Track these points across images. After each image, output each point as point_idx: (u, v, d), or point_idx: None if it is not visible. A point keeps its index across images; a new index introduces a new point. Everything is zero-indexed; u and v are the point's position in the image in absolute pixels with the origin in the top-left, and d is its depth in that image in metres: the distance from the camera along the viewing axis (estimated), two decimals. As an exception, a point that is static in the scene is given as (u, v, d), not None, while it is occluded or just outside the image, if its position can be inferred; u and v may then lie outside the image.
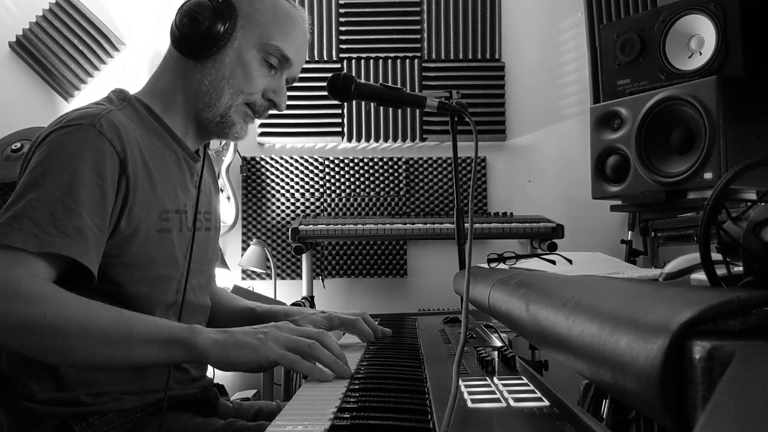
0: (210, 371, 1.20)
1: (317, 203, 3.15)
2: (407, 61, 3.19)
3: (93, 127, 0.96)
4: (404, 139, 3.16)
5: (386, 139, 3.15)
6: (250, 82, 1.10)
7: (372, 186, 3.16)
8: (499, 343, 1.03)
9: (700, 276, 0.64)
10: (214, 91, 1.10)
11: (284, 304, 2.09)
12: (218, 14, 1.06)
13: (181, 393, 1.08)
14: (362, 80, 1.34)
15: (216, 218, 1.25)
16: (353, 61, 3.19)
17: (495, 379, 0.73)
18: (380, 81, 3.11)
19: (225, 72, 1.09)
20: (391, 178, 3.17)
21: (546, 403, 0.62)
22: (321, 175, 3.17)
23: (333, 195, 3.16)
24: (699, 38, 1.92)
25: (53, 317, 0.83)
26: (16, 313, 0.82)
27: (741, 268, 0.48)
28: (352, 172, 3.17)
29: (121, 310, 0.89)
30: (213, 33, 1.06)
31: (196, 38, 1.07)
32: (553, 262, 1.16)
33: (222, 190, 2.93)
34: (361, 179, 3.17)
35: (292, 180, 3.16)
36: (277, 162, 3.17)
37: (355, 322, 1.15)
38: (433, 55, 3.20)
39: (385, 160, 3.17)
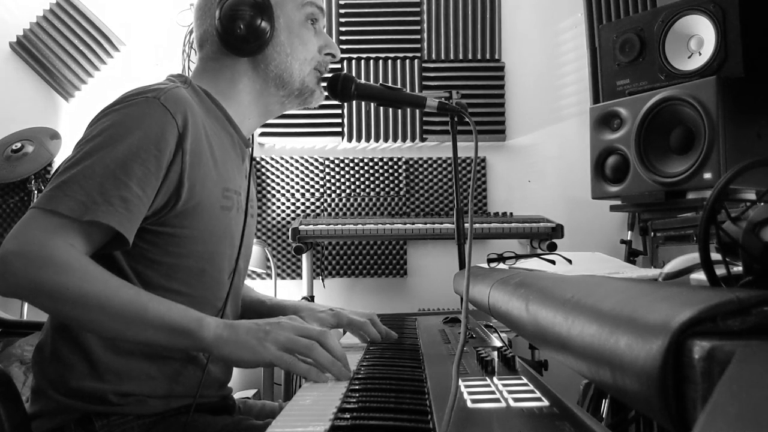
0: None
1: (317, 203, 3.15)
2: (407, 61, 3.19)
3: (157, 100, 0.98)
4: (404, 139, 3.16)
5: (386, 139, 3.16)
6: (308, 48, 1.16)
7: (372, 186, 3.16)
8: (498, 343, 1.03)
9: (700, 276, 0.64)
10: (284, 71, 1.14)
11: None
12: (258, 6, 1.09)
13: (205, 401, 1.08)
14: (362, 80, 1.34)
15: (255, 207, 1.28)
16: (353, 61, 3.19)
17: (495, 379, 0.73)
18: (380, 81, 3.12)
19: (286, 50, 1.14)
20: (391, 178, 3.17)
21: (546, 403, 0.63)
22: (321, 175, 3.17)
23: (333, 195, 3.16)
24: (698, 38, 1.92)
25: (75, 290, 0.86)
26: (44, 280, 0.85)
27: (740, 268, 0.48)
28: (352, 172, 3.17)
29: (140, 291, 0.91)
30: (263, 26, 1.09)
31: (252, 38, 1.09)
32: (553, 262, 1.16)
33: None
34: (361, 179, 3.17)
35: (292, 180, 3.16)
36: (277, 162, 3.17)
37: (363, 325, 1.15)
38: (433, 55, 3.20)
39: (385, 160, 3.18)
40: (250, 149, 1.21)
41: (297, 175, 3.17)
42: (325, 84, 1.24)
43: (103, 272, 0.89)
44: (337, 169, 3.17)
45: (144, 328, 0.88)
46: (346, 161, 3.18)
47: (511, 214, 2.87)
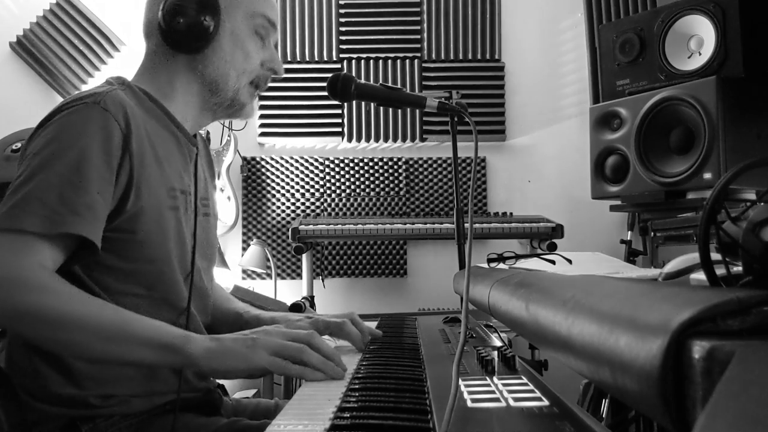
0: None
1: (317, 203, 3.15)
2: (407, 61, 3.19)
3: (97, 105, 0.96)
4: (404, 139, 3.16)
5: (386, 139, 3.16)
6: (250, 60, 1.13)
7: (372, 186, 3.16)
8: (498, 343, 1.03)
9: (700, 276, 0.64)
10: (220, 77, 1.12)
11: (284, 304, 2.09)
12: (204, 4, 1.06)
13: (188, 396, 1.07)
14: (362, 80, 1.34)
15: (213, 205, 1.25)
16: (353, 61, 3.19)
17: (495, 379, 0.73)
18: (380, 81, 3.12)
19: (225, 56, 1.11)
20: (391, 178, 3.17)
21: (546, 402, 0.63)
22: (321, 175, 3.17)
23: (333, 195, 3.16)
24: (698, 38, 1.92)
25: (56, 311, 0.84)
26: (20, 304, 0.83)
27: (740, 268, 0.48)
28: (352, 172, 3.17)
29: (120, 310, 0.90)
30: (206, 24, 1.06)
31: (192, 34, 1.06)
32: (553, 262, 1.16)
33: (222, 190, 2.93)
34: (361, 179, 3.17)
35: (292, 180, 3.16)
36: (277, 162, 3.17)
37: (343, 325, 1.09)
38: (433, 55, 3.20)
39: (385, 160, 3.18)
40: (197, 148, 1.18)
41: (297, 175, 3.17)
42: (256, 98, 1.20)
43: (80, 292, 0.88)
44: (337, 169, 3.17)
45: (129, 347, 0.86)
46: (346, 161, 3.18)
47: (511, 214, 2.87)
